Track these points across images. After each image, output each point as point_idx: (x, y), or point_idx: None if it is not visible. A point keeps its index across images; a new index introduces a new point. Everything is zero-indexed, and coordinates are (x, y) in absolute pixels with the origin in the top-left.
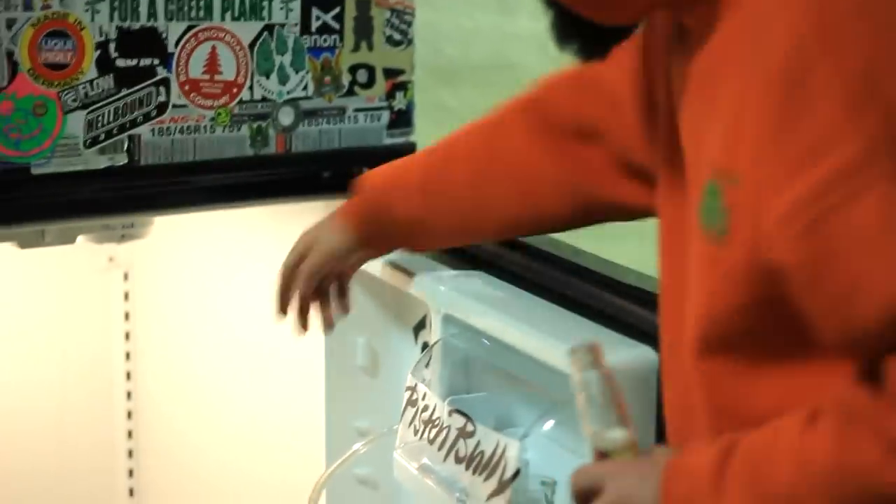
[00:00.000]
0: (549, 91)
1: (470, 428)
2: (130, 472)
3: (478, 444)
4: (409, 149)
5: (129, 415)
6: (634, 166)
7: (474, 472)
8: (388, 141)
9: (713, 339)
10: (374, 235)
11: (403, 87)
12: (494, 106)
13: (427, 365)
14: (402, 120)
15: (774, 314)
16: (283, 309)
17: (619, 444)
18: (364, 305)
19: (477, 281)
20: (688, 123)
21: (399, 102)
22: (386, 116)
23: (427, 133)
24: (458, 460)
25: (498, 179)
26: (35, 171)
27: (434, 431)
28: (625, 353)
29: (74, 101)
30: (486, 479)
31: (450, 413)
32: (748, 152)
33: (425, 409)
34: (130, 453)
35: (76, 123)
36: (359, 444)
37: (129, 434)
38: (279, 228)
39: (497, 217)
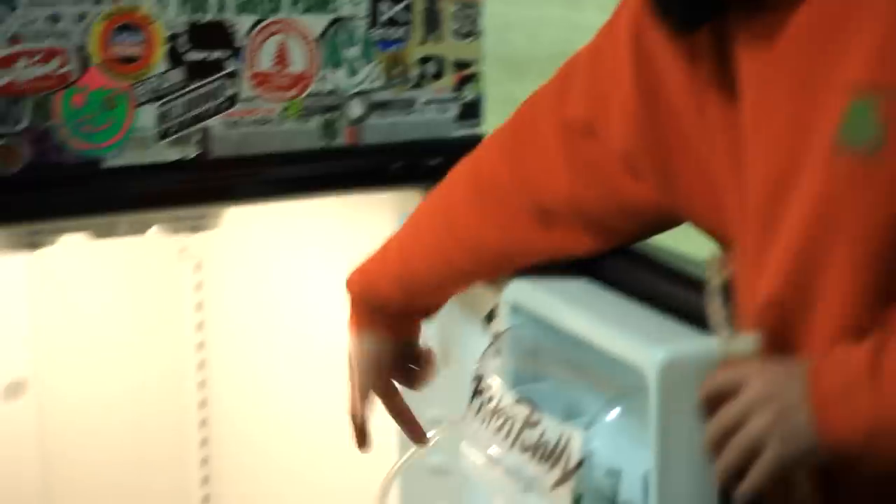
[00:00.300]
0: (487, 160)
1: (534, 418)
2: (204, 461)
3: (542, 433)
4: (478, 140)
5: (202, 404)
6: (564, 214)
7: (539, 462)
8: (457, 133)
9: (869, 256)
10: (394, 327)
11: (472, 78)
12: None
13: (495, 354)
14: (471, 112)
15: None
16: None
17: (751, 349)
18: None
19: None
20: (784, 70)
21: (468, 94)
22: (455, 108)
23: (496, 125)
24: (524, 450)
25: (461, 256)
26: (107, 163)
27: (500, 421)
28: (689, 345)
29: (145, 94)
30: (551, 468)
31: (515, 403)
32: None
33: (491, 398)
34: (204, 441)
35: (147, 116)
36: (430, 433)
37: (203, 423)
38: (349, 220)
39: (473, 279)
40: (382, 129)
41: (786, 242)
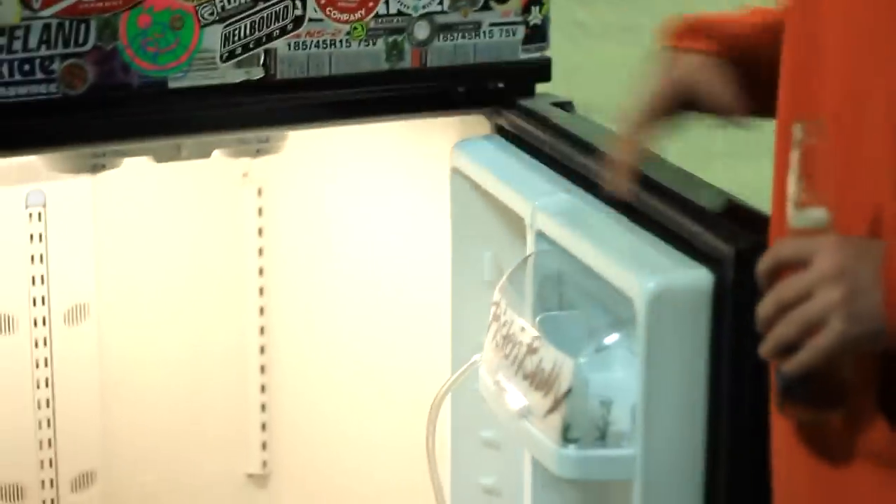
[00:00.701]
0: None
1: (535, 345)
2: (263, 387)
3: (540, 360)
4: (544, 64)
5: (262, 331)
6: None
7: (536, 389)
8: (523, 56)
9: None
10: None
11: (539, 1)
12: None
13: (514, 280)
14: (537, 35)
15: None
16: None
17: (817, 222)
18: (490, 221)
19: (567, 197)
20: None
21: (534, 17)
22: (521, 31)
23: (562, 49)
24: (525, 377)
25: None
26: (172, 84)
27: (509, 347)
28: (682, 275)
29: (211, 14)
30: (545, 395)
31: (521, 329)
32: None
33: (505, 324)
34: (263, 368)
35: (213, 37)
36: (477, 356)
37: (262, 349)
38: (414, 143)
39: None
40: (448, 51)
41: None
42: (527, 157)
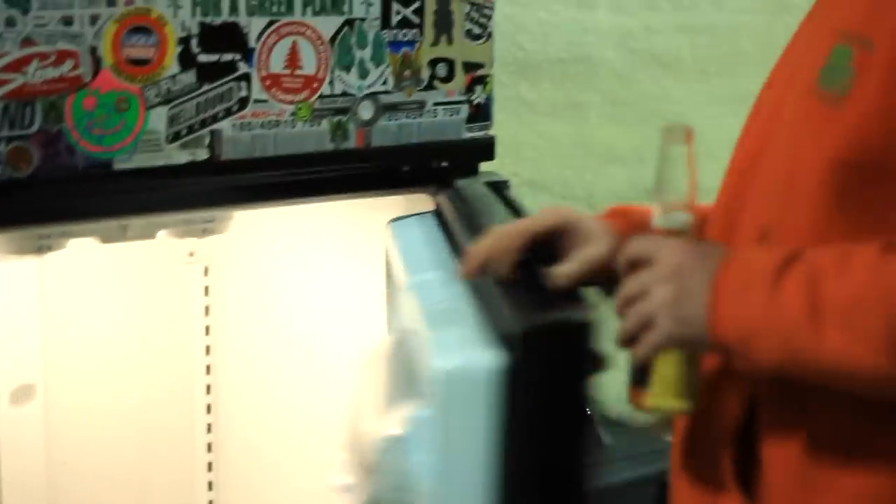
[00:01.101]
0: None
1: (364, 419)
2: (210, 465)
3: (365, 436)
4: (488, 143)
5: (209, 410)
6: None
7: (357, 468)
8: (467, 135)
9: (828, 195)
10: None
11: (482, 80)
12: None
13: (378, 361)
14: (481, 114)
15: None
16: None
17: (679, 225)
18: None
19: (432, 277)
20: (817, 9)
21: (478, 96)
22: (465, 110)
23: (506, 127)
24: (356, 452)
25: None
26: (117, 166)
27: (358, 422)
28: (473, 355)
29: (157, 96)
30: (362, 473)
31: (365, 404)
32: (891, 22)
33: (363, 400)
34: (210, 447)
35: (158, 119)
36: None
37: (209, 428)
38: (360, 220)
39: None
40: (392, 131)
41: (768, 170)
42: (441, 237)
